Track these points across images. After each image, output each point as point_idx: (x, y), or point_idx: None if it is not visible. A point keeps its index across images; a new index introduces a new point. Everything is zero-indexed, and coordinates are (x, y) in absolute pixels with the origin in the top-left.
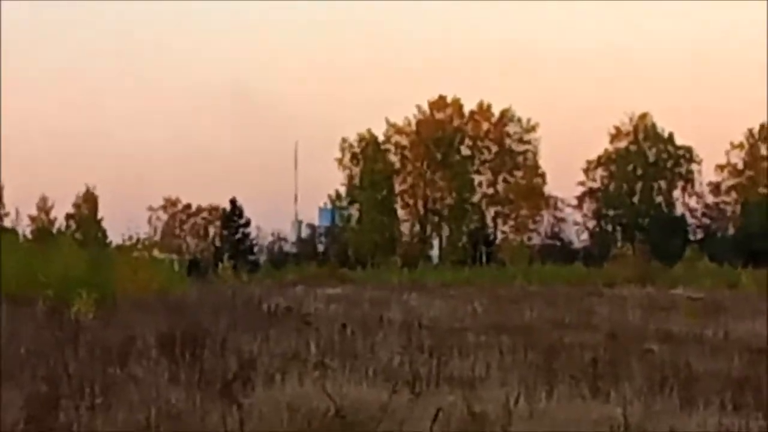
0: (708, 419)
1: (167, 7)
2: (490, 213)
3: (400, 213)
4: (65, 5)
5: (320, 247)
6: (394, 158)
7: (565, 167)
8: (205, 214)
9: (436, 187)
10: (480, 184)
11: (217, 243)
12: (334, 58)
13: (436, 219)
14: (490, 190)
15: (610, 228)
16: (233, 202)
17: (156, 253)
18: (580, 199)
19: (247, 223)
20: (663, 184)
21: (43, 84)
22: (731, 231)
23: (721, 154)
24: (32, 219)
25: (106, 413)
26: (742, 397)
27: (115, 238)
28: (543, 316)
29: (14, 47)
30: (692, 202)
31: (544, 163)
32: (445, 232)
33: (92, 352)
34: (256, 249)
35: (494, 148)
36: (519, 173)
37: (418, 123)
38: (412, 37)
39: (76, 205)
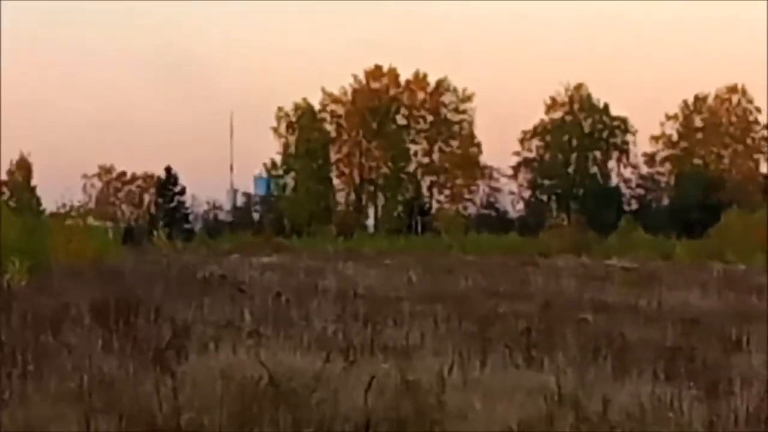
0: (641, 388)
1: None
2: (426, 182)
3: (336, 182)
4: None
5: (256, 216)
6: (329, 127)
7: (501, 137)
8: (140, 182)
9: (372, 157)
10: (415, 153)
11: (152, 211)
12: (270, 27)
13: (372, 188)
14: (426, 160)
15: (545, 198)
16: (168, 170)
17: (90, 220)
18: (516, 169)
19: (182, 192)
20: (598, 154)
21: None
22: (666, 202)
23: (656, 125)
24: None
25: (38, 381)
26: (674, 366)
27: (49, 205)
28: (478, 285)
29: None
30: (627, 172)
31: (479, 133)
32: (381, 201)
33: (25, 319)
34: (191, 217)
35: (430, 118)
36: (455, 143)
37: (354, 92)
38: (349, 7)
39: (10, 173)
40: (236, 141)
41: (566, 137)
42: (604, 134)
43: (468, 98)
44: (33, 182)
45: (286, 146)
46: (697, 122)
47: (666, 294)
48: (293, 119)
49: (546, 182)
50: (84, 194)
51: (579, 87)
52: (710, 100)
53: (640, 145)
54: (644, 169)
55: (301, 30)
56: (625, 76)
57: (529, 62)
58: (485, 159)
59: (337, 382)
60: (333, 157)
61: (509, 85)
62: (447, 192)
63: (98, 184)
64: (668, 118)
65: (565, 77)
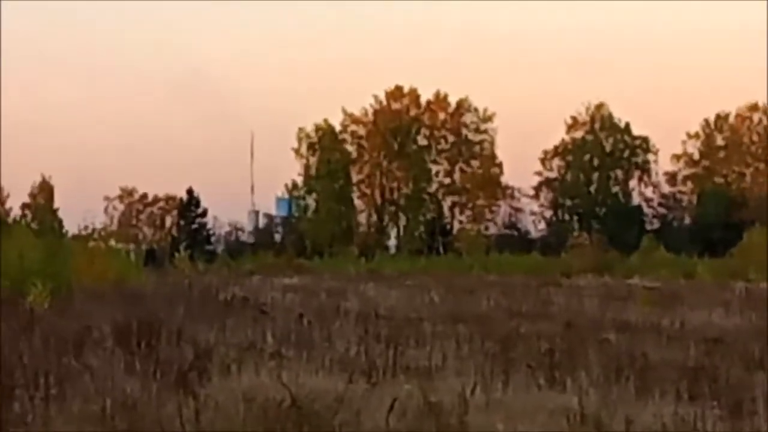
0: (664, 409)
1: None
2: (447, 203)
3: (357, 203)
4: None
5: (277, 237)
6: (350, 148)
7: (522, 157)
8: (161, 204)
9: (393, 177)
10: (437, 173)
11: (174, 233)
12: (290, 48)
13: (393, 209)
14: (447, 180)
15: (567, 218)
16: (190, 191)
17: (112, 242)
18: (537, 188)
19: (204, 213)
20: (619, 173)
21: None
22: (687, 221)
23: (678, 144)
24: None
25: (61, 403)
26: (697, 386)
27: (71, 228)
28: (500, 305)
29: None
30: (648, 191)
31: (500, 153)
32: (402, 221)
33: (47, 342)
34: (212, 239)
35: (451, 138)
36: (476, 163)
37: (375, 113)
38: (369, 27)
39: (32, 195)
40: (257, 162)
41: (587, 157)
42: (626, 154)
43: (489, 118)
44: (55, 205)
45: (307, 167)
46: (719, 141)
47: (688, 313)
48: (314, 140)
49: (567, 202)
50: (106, 216)
51: (600, 106)
52: (731, 119)
53: (662, 164)
54: (666, 188)
55: (322, 50)
56: (646, 95)
57: (550, 82)
58: (506, 179)
59: (359, 403)
60: (354, 177)
61: (530, 104)
62: (468, 212)
63: (120, 207)
64: (689, 137)
65: (586, 97)
